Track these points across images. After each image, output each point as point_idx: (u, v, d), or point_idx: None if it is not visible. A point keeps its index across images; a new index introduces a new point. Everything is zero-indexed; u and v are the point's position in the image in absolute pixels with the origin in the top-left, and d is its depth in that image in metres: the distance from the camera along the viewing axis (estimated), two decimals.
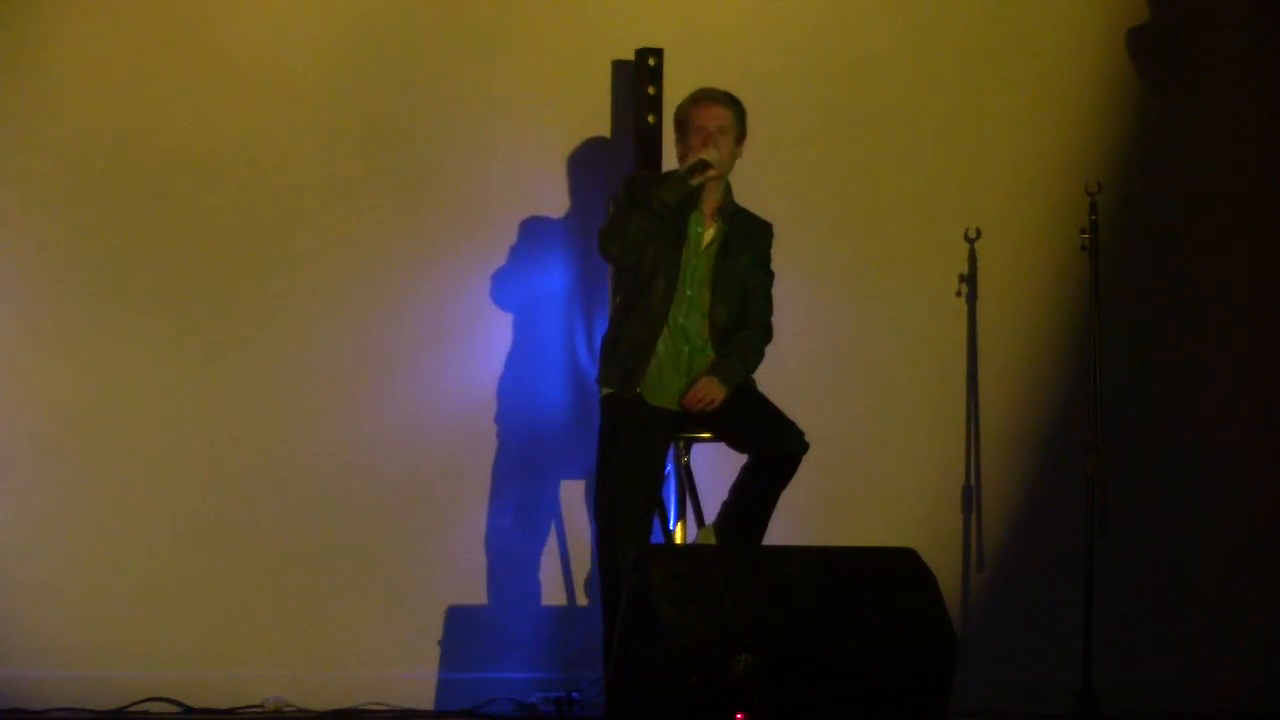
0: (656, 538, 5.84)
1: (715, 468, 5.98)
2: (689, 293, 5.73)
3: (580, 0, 6.43)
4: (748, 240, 5.78)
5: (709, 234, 5.75)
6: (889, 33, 6.61)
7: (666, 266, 5.67)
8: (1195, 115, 6.76)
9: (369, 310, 6.23)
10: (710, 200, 5.75)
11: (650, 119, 6.23)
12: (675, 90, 6.06)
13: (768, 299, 5.83)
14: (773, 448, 5.55)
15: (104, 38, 6.12)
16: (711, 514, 5.72)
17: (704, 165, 5.63)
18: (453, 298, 6.28)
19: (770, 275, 5.85)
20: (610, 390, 5.74)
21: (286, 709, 5.98)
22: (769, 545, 5.57)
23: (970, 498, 6.55)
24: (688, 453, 5.93)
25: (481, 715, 6.07)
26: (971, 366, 6.58)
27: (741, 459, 5.64)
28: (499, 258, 6.31)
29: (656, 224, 5.62)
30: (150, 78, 6.14)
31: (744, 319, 5.78)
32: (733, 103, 5.76)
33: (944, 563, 6.25)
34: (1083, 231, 6.25)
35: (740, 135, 5.77)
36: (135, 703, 5.91)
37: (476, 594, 6.24)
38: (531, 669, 6.20)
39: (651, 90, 6.24)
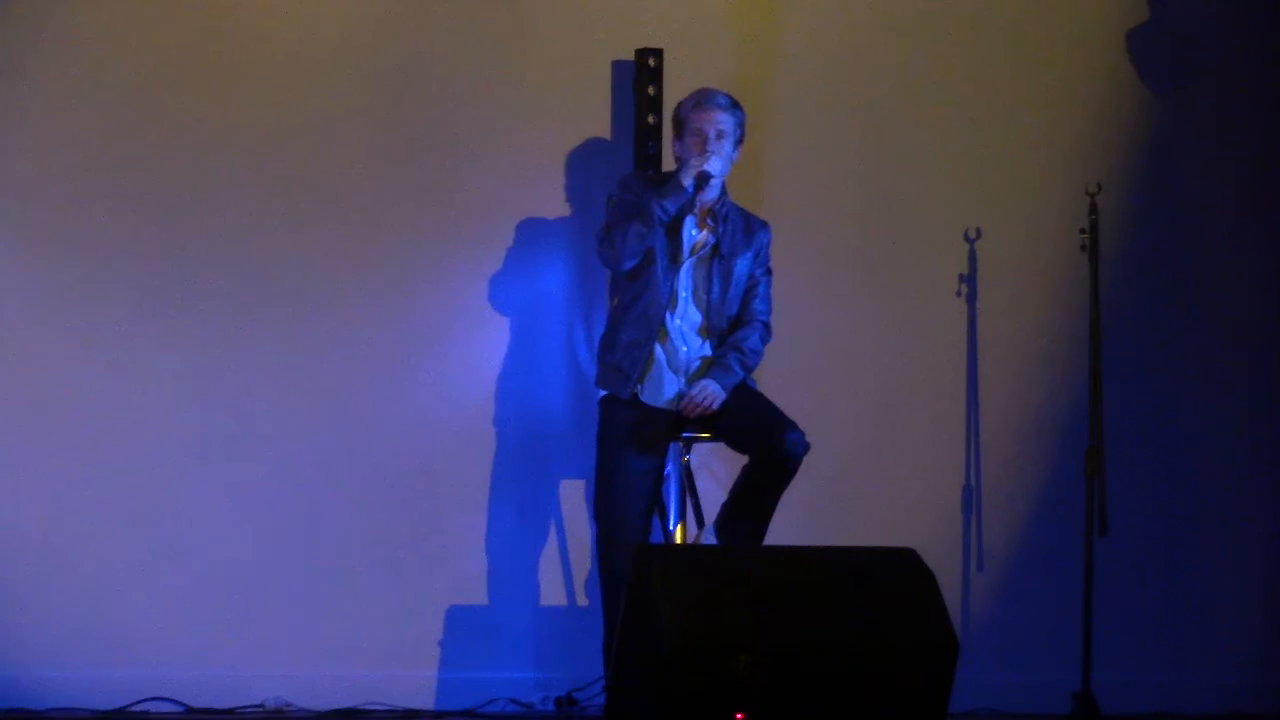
0: (656, 538, 5.84)
1: (715, 468, 5.97)
2: (684, 294, 5.73)
3: (580, 0, 6.43)
4: (744, 240, 5.78)
5: (704, 235, 5.75)
6: (888, 34, 6.60)
7: (662, 268, 5.66)
8: (1195, 115, 6.75)
9: (368, 311, 6.22)
10: (705, 201, 5.74)
11: (650, 119, 6.23)
12: (675, 90, 6.06)
13: (767, 298, 5.83)
14: (773, 448, 5.53)
15: (121, 35, 6.14)
16: (711, 514, 5.72)
17: (706, 177, 5.63)
18: (453, 298, 6.28)
19: (769, 274, 5.85)
20: (608, 392, 5.74)
21: (286, 709, 5.98)
22: (769, 545, 5.56)
23: (970, 498, 6.54)
24: (688, 453, 5.93)
25: (481, 715, 6.07)
26: (971, 366, 6.58)
27: (741, 459, 5.64)
28: (499, 258, 6.30)
29: (655, 229, 5.62)
30: (159, 80, 6.15)
31: (741, 319, 5.77)
32: (734, 107, 5.75)
33: (944, 563, 6.24)
34: (1083, 231, 6.25)
35: (739, 140, 5.76)
36: (135, 703, 5.91)
37: (476, 594, 6.23)
38: (531, 669, 6.19)
39: (651, 90, 6.24)
